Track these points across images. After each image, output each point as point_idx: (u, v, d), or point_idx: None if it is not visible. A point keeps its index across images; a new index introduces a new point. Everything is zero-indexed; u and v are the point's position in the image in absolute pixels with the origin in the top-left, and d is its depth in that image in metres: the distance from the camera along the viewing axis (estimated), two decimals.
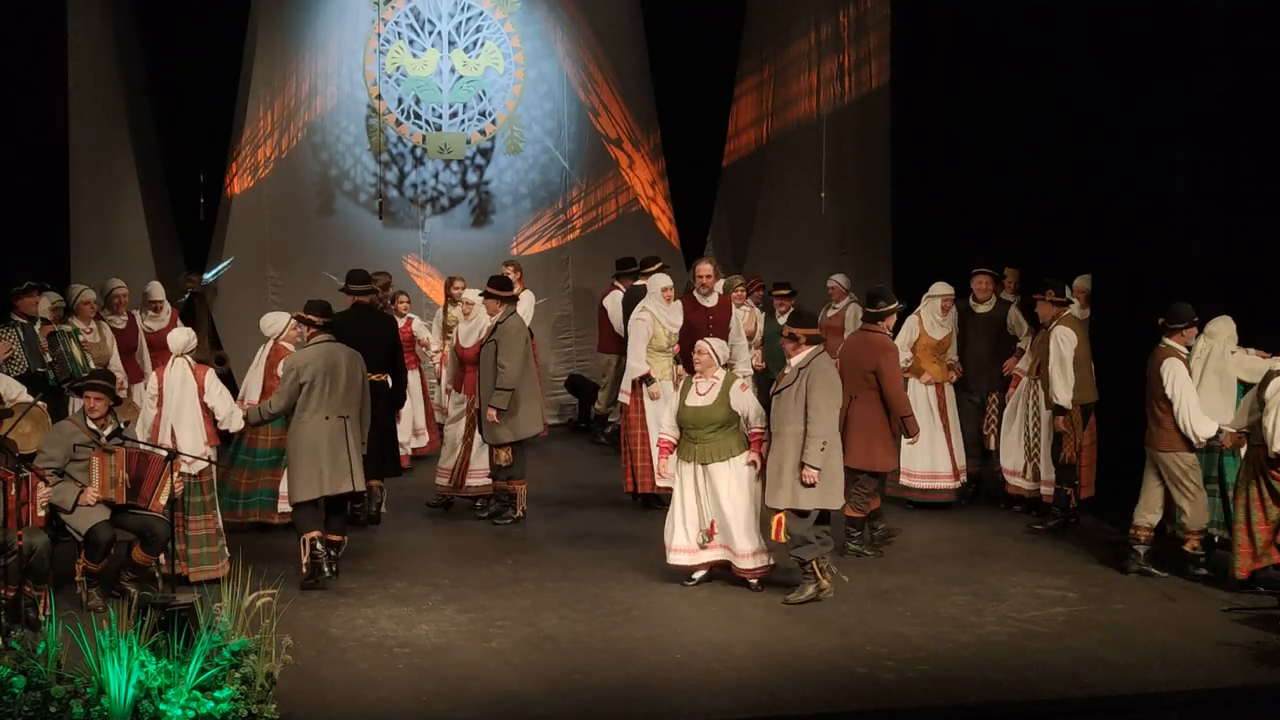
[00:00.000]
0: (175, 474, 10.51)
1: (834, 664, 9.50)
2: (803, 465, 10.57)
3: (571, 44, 18.11)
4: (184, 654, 8.52)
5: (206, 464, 11.05)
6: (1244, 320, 11.81)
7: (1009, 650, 9.76)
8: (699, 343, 11.37)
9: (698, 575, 11.17)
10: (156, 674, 8.34)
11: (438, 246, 17.81)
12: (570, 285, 18.17)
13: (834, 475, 10.80)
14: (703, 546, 11.07)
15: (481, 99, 17.82)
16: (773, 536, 10.80)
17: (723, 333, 13.60)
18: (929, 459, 13.50)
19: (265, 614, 9.03)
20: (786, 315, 15.46)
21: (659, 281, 13.78)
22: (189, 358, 11.31)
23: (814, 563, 10.77)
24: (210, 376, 11.36)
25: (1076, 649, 9.78)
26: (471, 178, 18.03)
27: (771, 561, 11.07)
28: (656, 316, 13.45)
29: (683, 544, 11.11)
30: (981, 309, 13.83)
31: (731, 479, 10.97)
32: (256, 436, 12.46)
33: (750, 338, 15.11)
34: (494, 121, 17.86)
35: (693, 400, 11.08)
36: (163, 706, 8.20)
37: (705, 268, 14.02)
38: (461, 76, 17.71)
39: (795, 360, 10.92)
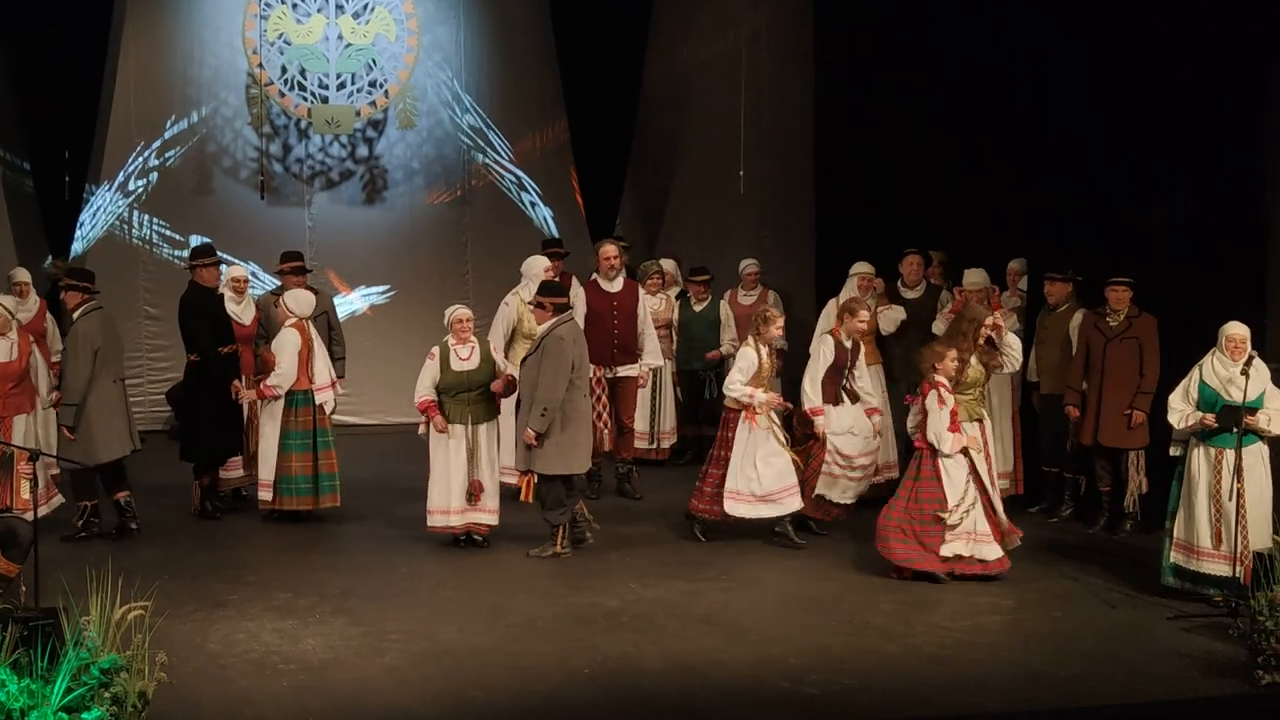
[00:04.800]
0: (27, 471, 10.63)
1: (754, 678, 9.48)
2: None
3: (470, 8, 18.00)
4: (48, 672, 8.37)
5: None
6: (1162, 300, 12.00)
7: (940, 663, 9.78)
8: (457, 309, 12.31)
9: (478, 537, 12.36)
10: (18, 694, 8.18)
11: (325, 226, 17.67)
12: (469, 269, 18.09)
13: (576, 442, 12.02)
14: (470, 505, 12.23)
15: (372, 69, 17.69)
16: (522, 497, 12.14)
17: (628, 320, 13.58)
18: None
19: (137, 628, 8.89)
20: (705, 303, 15.58)
21: (539, 264, 13.66)
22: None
23: (561, 527, 12.04)
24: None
25: (1012, 660, 9.82)
26: (362, 152, 17.92)
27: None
28: (525, 302, 13.38)
29: (441, 504, 12.24)
30: (910, 294, 13.91)
31: (495, 439, 12.39)
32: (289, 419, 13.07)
33: (667, 326, 15.11)
34: (385, 93, 17.75)
35: (457, 365, 12.22)
36: None
37: (608, 250, 13.98)
38: (350, 44, 17.58)
39: (541, 329, 12.02)
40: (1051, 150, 13.42)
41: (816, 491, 12.68)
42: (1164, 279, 12.41)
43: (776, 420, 12.43)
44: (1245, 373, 10.63)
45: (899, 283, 13.95)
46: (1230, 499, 10.67)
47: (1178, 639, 10.18)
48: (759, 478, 12.25)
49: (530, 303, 12.52)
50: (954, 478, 11.40)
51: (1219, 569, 10.75)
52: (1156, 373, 12.31)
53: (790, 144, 17.26)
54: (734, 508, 12.35)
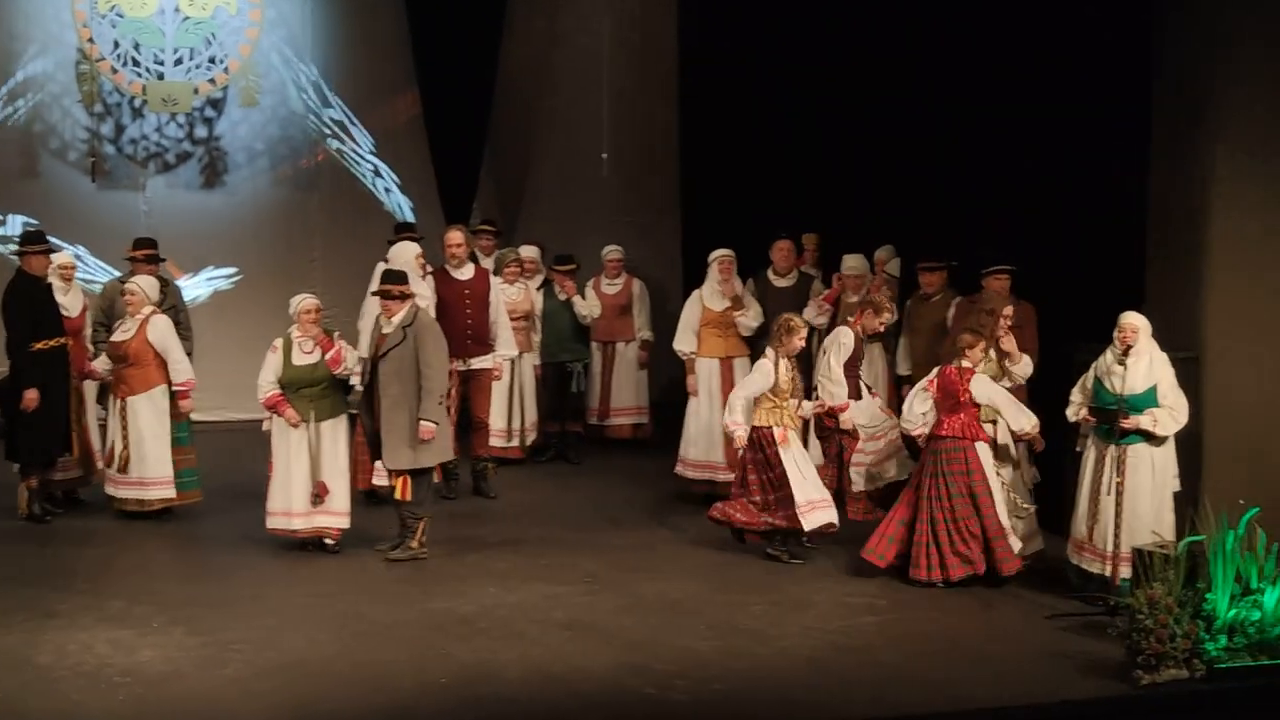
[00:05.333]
0: None
1: (619, 685, 9.48)
2: (421, 421, 11.78)
3: None
4: None
5: None
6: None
7: (813, 666, 9.84)
8: (305, 299, 12.22)
9: (329, 541, 12.18)
10: None
11: (161, 210, 17.41)
12: (317, 257, 17.91)
13: (445, 429, 12.12)
14: (314, 508, 12.07)
15: (211, 43, 17.45)
16: (399, 496, 11.98)
17: (481, 308, 13.54)
18: (705, 447, 13.62)
19: None
20: (572, 294, 15.53)
21: (405, 250, 13.55)
22: None
23: (423, 522, 12.05)
24: None
25: (887, 663, 9.90)
26: (200, 132, 17.67)
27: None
28: (372, 293, 13.27)
29: (282, 506, 12.11)
30: (781, 282, 13.98)
31: (340, 437, 12.22)
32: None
33: (526, 318, 15.06)
34: (226, 69, 17.51)
35: (299, 359, 12.11)
36: None
37: (454, 236, 13.93)
38: (187, 17, 17.32)
39: (398, 318, 11.87)
40: (925, 134, 13.55)
41: (856, 489, 12.90)
42: (1042, 267, 12.56)
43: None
44: (1122, 363, 10.77)
45: (769, 270, 13.99)
46: (1109, 493, 10.82)
47: (1056, 639, 10.32)
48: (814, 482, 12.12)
49: (377, 293, 12.34)
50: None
51: (1094, 566, 10.93)
52: (1034, 361, 12.45)
53: (654, 124, 17.31)
54: (819, 517, 12.01)
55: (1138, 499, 10.82)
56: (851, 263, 13.65)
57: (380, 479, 12.87)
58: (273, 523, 12.24)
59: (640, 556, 12.28)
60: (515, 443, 15.28)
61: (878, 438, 12.92)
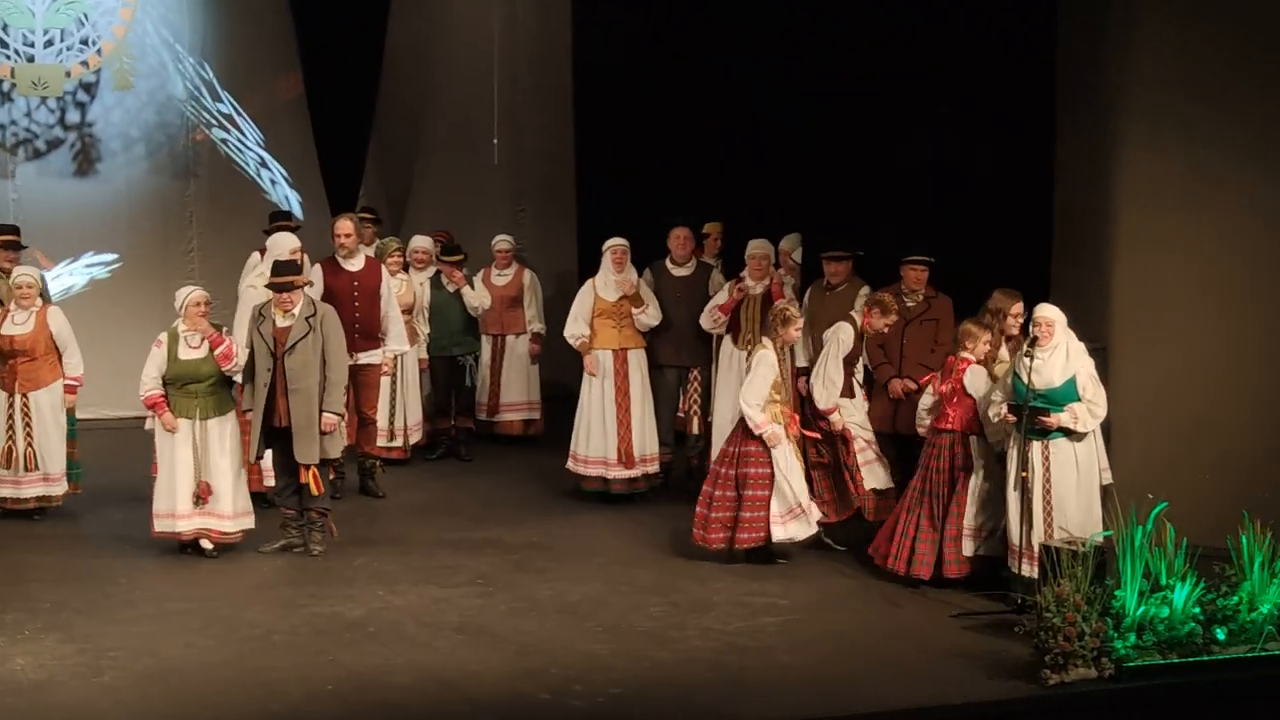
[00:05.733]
0: None
1: (513, 691, 9.46)
2: (324, 413, 11.96)
3: None
4: None
5: None
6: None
7: (714, 668, 9.85)
8: (194, 292, 12.18)
9: (207, 545, 12.10)
10: None
11: (32, 199, 17.21)
12: (195, 248, 17.76)
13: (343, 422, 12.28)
14: (196, 509, 11.99)
15: (83, 24, 17.26)
16: (315, 492, 12.08)
17: (370, 301, 13.48)
18: (601, 442, 13.62)
19: None
20: (461, 285, 15.48)
21: (283, 241, 13.47)
22: None
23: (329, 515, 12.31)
24: None
25: (789, 664, 9.93)
26: (72, 117, 17.48)
27: (252, 525, 12.20)
28: (267, 284, 13.20)
29: (167, 508, 12.00)
30: (679, 271, 13.97)
31: (226, 436, 12.11)
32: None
33: (409, 310, 15.00)
34: (99, 51, 17.34)
35: (186, 354, 12.04)
36: None
37: (344, 225, 13.85)
38: None
39: (298, 310, 11.99)
40: (830, 122, 13.61)
41: (868, 486, 12.52)
42: (951, 259, 12.65)
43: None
44: (1031, 355, 10.82)
45: (667, 259, 14.00)
46: (1015, 488, 10.90)
47: (962, 639, 10.39)
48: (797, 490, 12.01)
49: (273, 285, 12.22)
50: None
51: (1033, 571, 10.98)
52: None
53: (549, 109, 17.29)
54: (789, 531, 11.96)
55: (1065, 496, 10.87)
56: (756, 246, 13.65)
57: (268, 480, 12.80)
58: (159, 525, 12.10)
59: (534, 557, 12.27)
60: (398, 442, 15.18)
61: (868, 445, 12.65)
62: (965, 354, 11.44)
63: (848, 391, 12.45)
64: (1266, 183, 11.98)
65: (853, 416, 12.47)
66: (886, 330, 12.42)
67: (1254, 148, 12.01)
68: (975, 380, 11.37)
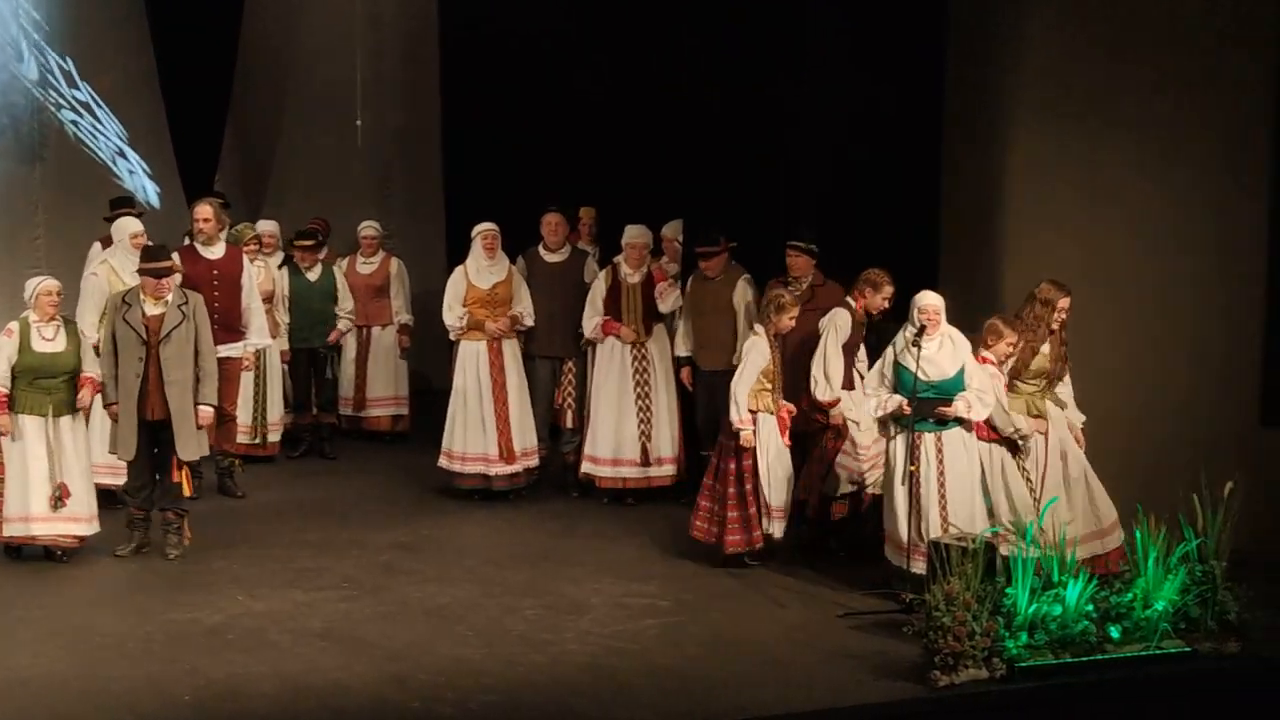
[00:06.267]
0: None
1: (381, 698, 9.43)
2: (199, 407, 12.00)
3: None
4: None
5: None
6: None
7: (592, 672, 9.86)
8: (45, 281, 12.02)
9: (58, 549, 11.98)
10: None
11: None
12: (41, 233, 17.53)
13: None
14: (54, 512, 11.83)
15: None
16: (187, 492, 12.26)
17: (231, 291, 13.37)
18: (480, 438, 13.58)
19: None
20: (317, 271, 15.40)
21: (126, 227, 13.33)
22: None
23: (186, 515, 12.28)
24: None
25: (671, 667, 9.95)
26: None
27: (98, 528, 12.07)
28: (116, 270, 13.09)
29: (19, 511, 11.82)
30: (553, 258, 13.94)
31: (80, 434, 12.05)
32: None
33: (269, 299, 14.88)
34: None
35: (40, 345, 11.84)
36: None
37: (203, 210, 13.71)
38: None
39: (171, 298, 11.94)
40: (712, 102, 13.62)
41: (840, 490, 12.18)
42: (835, 245, 12.71)
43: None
44: (917, 344, 10.88)
45: (540, 246, 13.97)
46: (902, 483, 10.98)
47: (850, 639, 10.46)
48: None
49: (144, 270, 12.08)
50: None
51: (898, 560, 11.07)
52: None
53: (415, 88, 17.19)
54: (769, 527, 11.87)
55: (958, 489, 10.95)
56: (633, 233, 13.65)
57: (116, 478, 12.66)
58: (10, 530, 11.93)
59: (402, 558, 12.23)
60: (259, 439, 15.07)
61: (869, 447, 12.23)
62: (985, 352, 11.33)
63: (848, 383, 12.19)
64: (1160, 164, 12.12)
65: (848, 411, 12.16)
66: (887, 304, 12.14)
67: (1146, 130, 12.16)
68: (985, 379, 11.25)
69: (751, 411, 11.78)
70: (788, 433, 11.96)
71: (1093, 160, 12.31)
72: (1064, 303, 11.50)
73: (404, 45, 17.30)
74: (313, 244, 15.44)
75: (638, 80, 14.28)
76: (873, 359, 11.74)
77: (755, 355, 11.81)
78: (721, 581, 11.65)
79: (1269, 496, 11.30)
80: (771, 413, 11.85)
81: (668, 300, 13.66)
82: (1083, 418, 11.58)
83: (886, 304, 12.14)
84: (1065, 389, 11.63)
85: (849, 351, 12.22)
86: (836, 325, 12.12)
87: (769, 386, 11.83)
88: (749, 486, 11.79)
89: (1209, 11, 12.04)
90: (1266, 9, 11.76)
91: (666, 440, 13.66)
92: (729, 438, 11.88)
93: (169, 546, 12.13)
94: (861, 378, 12.15)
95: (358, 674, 9.79)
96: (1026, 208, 12.53)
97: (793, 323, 11.93)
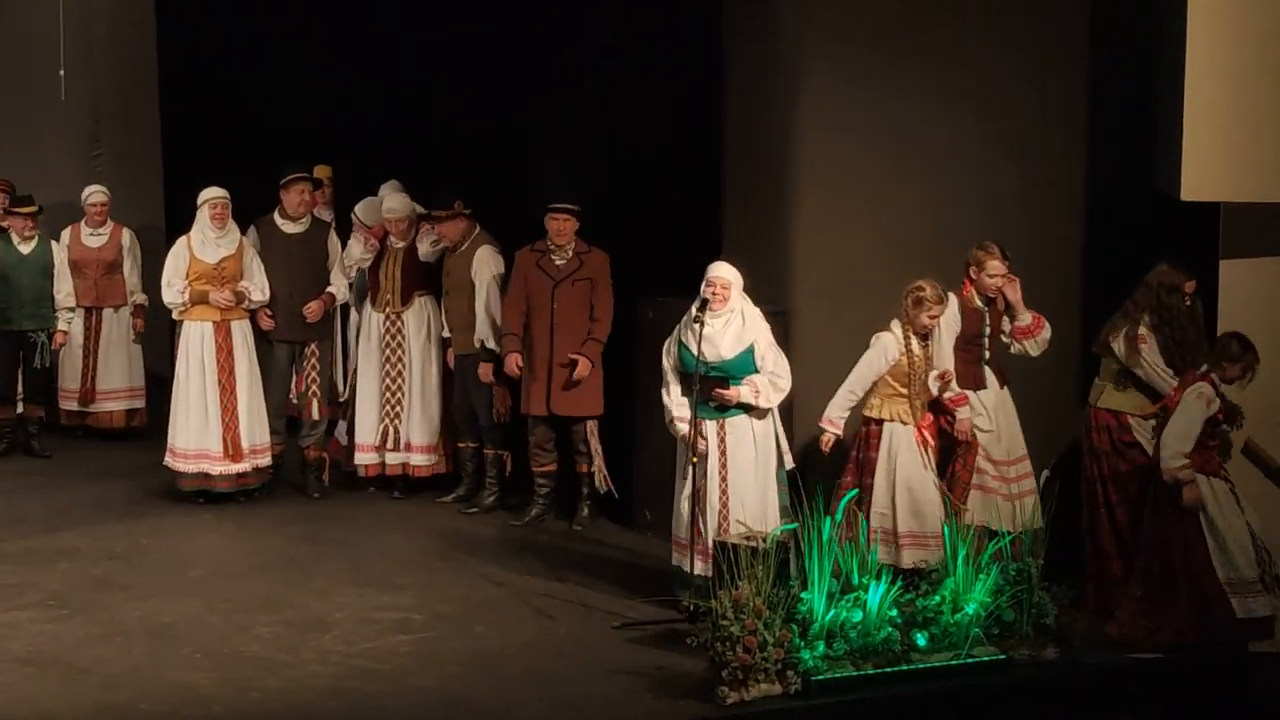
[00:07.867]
0: None
1: None
2: None
3: None
4: None
5: None
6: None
7: (335, 696, 9.82)
8: None
9: None
10: None
11: None
12: None
13: None
14: None
15: None
16: None
17: None
18: (201, 432, 13.45)
19: None
20: (32, 242, 15.11)
21: None
22: None
23: None
24: None
25: (424, 688, 9.96)
26: None
27: None
28: None
29: None
30: (291, 228, 13.81)
31: None
32: None
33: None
34: None
35: None
36: None
37: None
38: None
39: None
40: (461, 47, 13.62)
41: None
42: (605, 209, 12.73)
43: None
44: (700, 321, 10.88)
45: (275, 213, 13.81)
46: (683, 476, 11.03)
47: (628, 653, 10.52)
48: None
49: None
50: None
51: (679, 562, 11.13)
52: (610, 318, 12.58)
53: (126, 40, 16.94)
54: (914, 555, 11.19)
55: (743, 484, 10.99)
56: (393, 204, 13.55)
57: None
58: None
59: (119, 571, 12.11)
60: None
61: (1019, 458, 11.70)
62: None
63: (969, 381, 11.58)
64: (950, 121, 12.22)
65: (981, 417, 11.62)
66: (1000, 281, 11.58)
67: (938, 85, 12.26)
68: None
69: (877, 421, 11.37)
70: (930, 449, 11.41)
71: (885, 114, 12.32)
72: (1190, 285, 11.18)
73: None
74: (32, 210, 15.07)
75: (375, 22, 14.24)
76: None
77: (875, 355, 11.30)
78: (483, 591, 11.66)
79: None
80: (906, 423, 11.34)
81: (425, 243, 13.72)
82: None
83: (1000, 280, 11.54)
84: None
85: (972, 344, 11.62)
86: (944, 318, 11.49)
87: (903, 391, 11.34)
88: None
89: None
90: None
91: (419, 424, 13.58)
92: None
93: None
94: (1000, 376, 11.74)
95: (68, 704, 9.65)
96: (816, 168, 12.58)
97: (933, 321, 11.25)
